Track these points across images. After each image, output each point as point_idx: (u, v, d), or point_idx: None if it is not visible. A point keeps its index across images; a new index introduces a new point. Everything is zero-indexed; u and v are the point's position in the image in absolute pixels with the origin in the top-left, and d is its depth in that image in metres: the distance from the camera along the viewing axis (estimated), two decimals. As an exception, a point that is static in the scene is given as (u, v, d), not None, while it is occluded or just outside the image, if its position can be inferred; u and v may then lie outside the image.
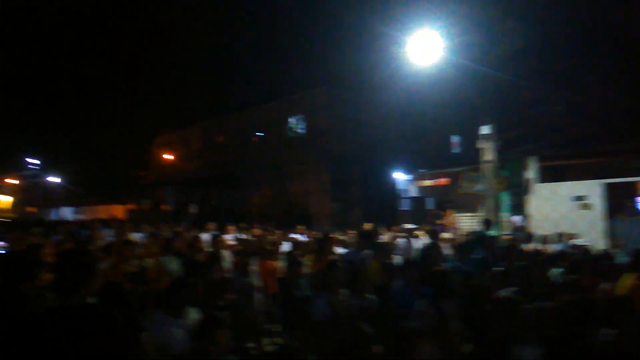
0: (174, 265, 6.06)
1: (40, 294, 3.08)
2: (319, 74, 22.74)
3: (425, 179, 17.90)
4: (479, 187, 13.31)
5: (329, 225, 17.07)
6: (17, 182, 46.53)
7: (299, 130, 22.33)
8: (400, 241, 10.27)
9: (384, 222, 16.57)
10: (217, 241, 7.59)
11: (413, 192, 18.96)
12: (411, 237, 10.69)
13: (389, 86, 18.70)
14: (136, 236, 8.95)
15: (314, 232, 10.77)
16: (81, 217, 36.61)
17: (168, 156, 32.24)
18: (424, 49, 11.08)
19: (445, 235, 11.33)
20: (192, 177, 27.74)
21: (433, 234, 9.51)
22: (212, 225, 11.03)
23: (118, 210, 33.85)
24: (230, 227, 11.90)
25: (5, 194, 45.08)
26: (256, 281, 5.84)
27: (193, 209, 26.48)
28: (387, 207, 19.75)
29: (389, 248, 7.41)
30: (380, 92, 19.01)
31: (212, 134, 28.37)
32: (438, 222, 15.48)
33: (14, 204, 45.43)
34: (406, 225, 14.45)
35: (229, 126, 26.94)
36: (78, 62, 60.52)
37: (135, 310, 3.88)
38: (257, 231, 10.99)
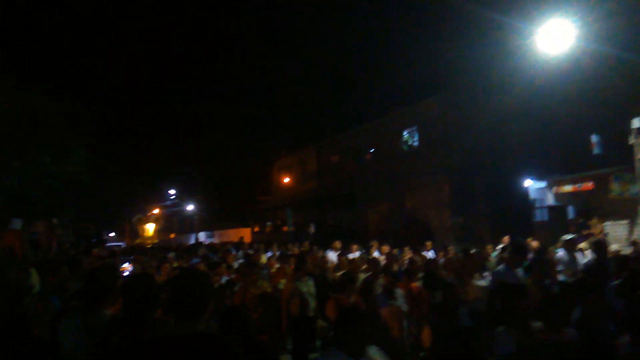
0: (306, 286, 5.82)
1: (162, 319, 2.95)
2: (430, 82, 21.68)
3: (563, 185, 15.78)
4: (634, 190, 11.26)
5: (452, 241, 15.89)
6: (158, 211, 52.13)
7: (413, 143, 21.50)
8: (562, 255, 8.87)
9: (517, 236, 14.94)
10: (350, 261, 7.19)
11: (549, 200, 16.91)
12: (573, 251, 9.21)
13: (512, 84, 17.12)
14: (265, 257, 9.07)
15: (450, 248, 9.83)
16: (213, 240, 39.57)
17: (286, 179, 33.50)
18: (554, 39, 9.75)
19: (613, 247, 9.66)
20: (310, 198, 28.26)
21: (599, 247, 7.80)
22: (338, 244, 10.76)
23: (245, 233, 35.93)
24: (354, 246, 11.56)
25: (150, 223, 50.75)
26: (403, 306, 5.18)
27: (312, 229, 26.89)
28: (518, 219, 17.87)
29: (551, 264, 6.21)
30: (501, 92, 17.48)
31: (327, 154, 28.74)
32: (585, 232, 13.46)
33: (157, 231, 50.89)
34: (566, 236, 12.61)
35: (342, 145, 27.04)
36: (203, 102, 66.63)
37: (254, 336, 3.64)
38: (385, 248, 10.42)
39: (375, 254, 10.47)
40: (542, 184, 16.87)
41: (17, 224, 5.88)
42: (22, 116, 9.03)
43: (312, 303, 5.68)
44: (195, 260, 8.26)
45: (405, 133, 21.77)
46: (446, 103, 19.24)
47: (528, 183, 17.23)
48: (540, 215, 18.87)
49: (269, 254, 9.34)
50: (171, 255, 8.67)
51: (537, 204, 17.11)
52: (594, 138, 17.00)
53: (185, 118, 65.24)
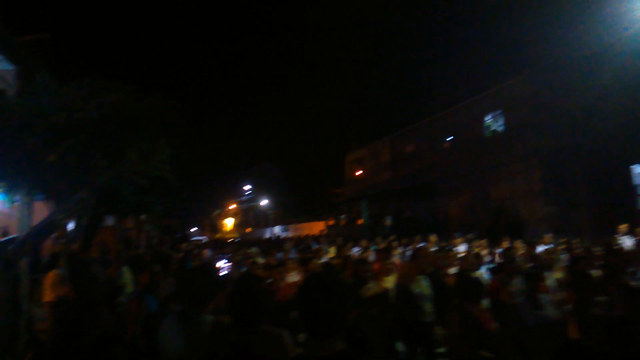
0: (419, 287, 5.06)
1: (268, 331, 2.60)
2: (514, 61, 20.07)
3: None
4: None
5: (546, 232, 14.50)
6: (235, 206, 53.87)
7: (498, 128, 20.01)
8: None
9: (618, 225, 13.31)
10: (470, 257, 6.39)
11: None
12: None
13: (611, 57, 15.25)
14: (354, 251, 8.63)
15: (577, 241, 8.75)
16: (288, 234, 40.07)
17: (360, 171, 32.98)
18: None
19: None
20: (385, 190, 27.51)
21: None
22: (433, 237, 10.04)
23: (319, 227, 35.94)
24: (432, 238, 10.83)
25: (229, 217, 52.59)
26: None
27: (388, 221, 26.16)
28: (624, 207, 15.99)
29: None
30: (598, 67, 15.65)
31: (401, 145, 27.80)
32: None
33: (235, 226, 52.62)
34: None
35: (418, 134, 25.98)
36: (276, 98, 67.80)
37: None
38: (483, 242, 9.54)
39: (462, 247, 9.63)
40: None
41: (110, 220, 6.03)
42: (111, 116, 9.23)
43: (428, 307, 4.97)
44: (280, 255, 8.03)
45: (488, 117, 20.33)
46: (534, 83, 17.62)
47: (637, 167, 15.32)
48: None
49: (356, 249, 8.84)
50: (253, 250, 8.51)
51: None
52: None
53: (259, 114, 66.88)
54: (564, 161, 16.58)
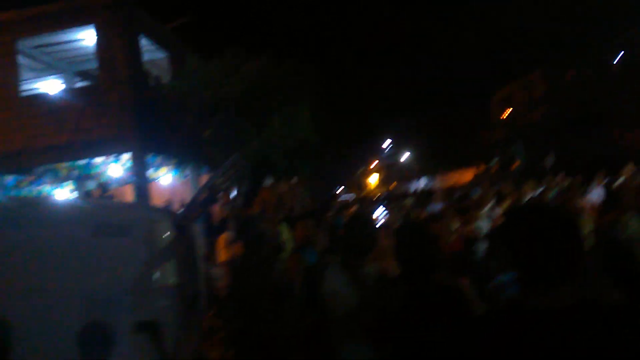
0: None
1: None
2: None
3: None
4: None
5: None
6: (377, 162, 54.06)
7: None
8: None
9: None
10: None
11: None
12: None
13: None
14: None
15: None
16: (434, 185, 38.88)
17: (509, 110, 30.13)
18: None
19: None
20: (542, 127, 24.67)
21: None
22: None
23: (468, 174, 34.06)
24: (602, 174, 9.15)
25: (373, 174, 53.15)
26: None
27: (549, 161, 23.50)
28: None
29: None
30: None
31: (559, 73, 24.41)
32: None
33: (380, 182, 52.97)
34: None
35: (579, 58, 22.44)
36: (414, 40, 64.95)
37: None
38: None
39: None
40: None
41: (268, 181, 6.40)
42: (252, 87, 9.64)
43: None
44: (437, 205, 7.59)
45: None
46: None
47: None
48: None
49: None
50: (408, 201, 8.20)
51: None
52: None
53: (396, 62, 65.06)
54: None
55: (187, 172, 12.05)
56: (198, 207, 5.95)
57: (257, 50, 10.24)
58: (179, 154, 10.40)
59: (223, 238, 5.79)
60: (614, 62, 20.21)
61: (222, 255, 5.69)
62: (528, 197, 7.15)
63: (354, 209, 11.02)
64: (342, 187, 44.65)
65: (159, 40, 11.59)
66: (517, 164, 27.04)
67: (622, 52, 19.40)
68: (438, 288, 2.10)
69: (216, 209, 7.22)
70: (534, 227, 1.29)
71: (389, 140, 52.72)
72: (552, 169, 22.37)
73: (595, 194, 7.42)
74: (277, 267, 3.66)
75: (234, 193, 9.12)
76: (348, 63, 59.85)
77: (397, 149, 51.51)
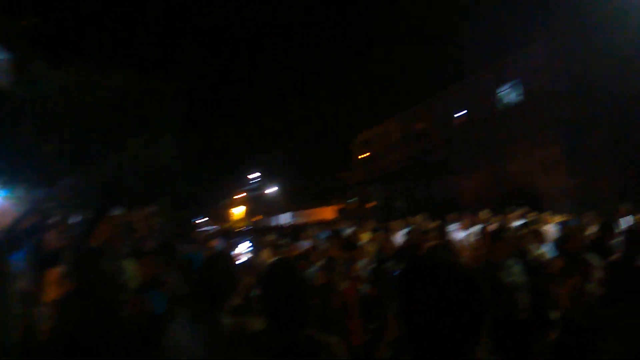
0: (510, 274, 4.14)
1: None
2: (532, 27, 19.14)
3: None
4: None
5: (570, 207, 13.88)
6: (243, 194, 53.55)
7: (514, 99, 19.23)
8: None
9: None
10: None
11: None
12: None
13: (633, 19, 14.43)
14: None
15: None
16: (298, 220, 39.68)
17: (369, 153, 32.38)
18: None
19: None
20: (395, 170, 26.91)
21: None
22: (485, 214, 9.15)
23: (328, 212, 35.51)
24: (453, 216, 10.20)
25: (239, 206, 52.35)
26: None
27: (400, 203, 25.62)
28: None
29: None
30: (619, 31, 14.81)
31: (411, 123, 27.09)
32: None
33: (245, 214, 52.37)
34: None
35: (427, 111, 25.24)
36: (276, 83, 66.90)
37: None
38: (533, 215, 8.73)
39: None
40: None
41: (118, 211, 5.55)
42: (110, 100, 8.68)
43: (525, 299, 4.04)
44: (306, 243, 7.48)
45: (502, 89, 19.55)
46: (552, 50, 16.80)
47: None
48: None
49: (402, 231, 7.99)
50: (272, 237, 7.95)
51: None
52: None
53: (264, 100, 66.02)
54: (586, 130, 15.86)
55: (20, 192, 10.27)
56: (22, 234, 4.92)
57: (121, 64, 9.29)
58: (10, 170, 8.80)
59: (54, 272, 4.86)
60: (459, 116, 22.97)
61: (51, 292, 4.75)
62: (397, 235, 7.43)
63: (214, 243, 10.38)
64: (205, 217, 42.98)
65: (1, 38, 9.97)
66: (373, 203, 28.94)
67: (465, 110, 22.28)
68: (306, 346, 1.81)
69: (50, 238, 6.12)
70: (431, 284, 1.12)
71: (256, 173, 52.78)
72: (402, 209, 24.41)
73: (462, 234, 8.01)
74: (116, 310, 3.05)
75: (74, 219, 7.92)
76: (221, 90, 59.18)
77: (264, 182, 51.69)
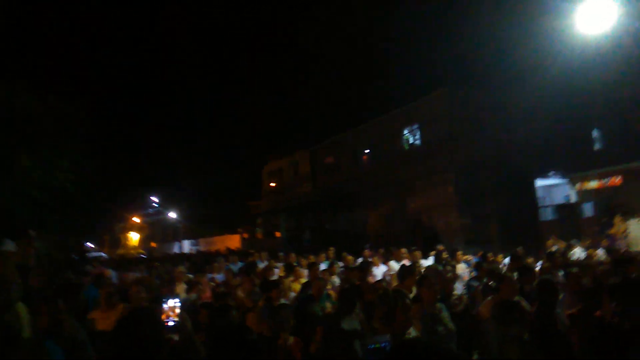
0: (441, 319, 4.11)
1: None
2: (432, 77, 20.94)
3: (588, 181, 15.03)
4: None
5: (461, 244, 15.05)
6: (139, 220, 50.24)
7: (415, 142, 20.65)
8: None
9: (524, 236, 14.14)
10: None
11: (572, 197, 16.22)
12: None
13: (531, 73, 16.36)
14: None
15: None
16: (199, 248, 38.09)
17: (277, 183, 32.37)
18: (592, 18, 8.89)
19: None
20: (304, 202, 27.19)
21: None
22: (402, 252, 9.21)
23: (233, 240, 34.59)
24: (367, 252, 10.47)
25: (133, 231, 48.91)
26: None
27: (307, 234, 25.85)
28: (526, 219, 17.19)
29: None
30: (518, 83, 16.69)
31: (321, 157, 27.72)
32: (608, 232, 12.77)
33: (141, 240, 49.06)
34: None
35: (338, 146, 26.07)
36: (186, 105, 65.04)
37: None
38: (416, 255, 9.06)
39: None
40: (562, 181, 16.13)
41: (9, 245, 4.66)
42: (2, 115, 7.77)
43: (453, 345, 3.99)
44: (218, 276, 7.11)
45: (406, 131, 20.91)
46: (450, 98, 18.43)
47: (545, 180, 16.52)
48: (550, 214, 18.25)
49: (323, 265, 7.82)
50: (181, 268, 7.43)
51: (561, 201, 16.36)
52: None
53: (168, 120, 63.47)
54: (476, 174, 17.41)
55: None
56: None
57: (13, 76, 8.37)
58: None
59: None
60: (365, 153, 24.00)
61: None
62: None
63: (107, 273, 9.36)
64: (91, 243, 39.24)
65: None
66: (278, 234, 28.86)
67: (371, 149, 23.36)
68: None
69: None
70: None
71: (155, 198, 49.97)
72: (310, 241, 24.64)
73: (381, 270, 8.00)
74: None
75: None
76: (122, 110, 55.86)
77: (163, 207, 49.01)
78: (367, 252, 10.59)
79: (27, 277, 4.89)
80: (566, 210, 17.13)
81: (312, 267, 6.91)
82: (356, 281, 5.71)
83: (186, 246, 43.09)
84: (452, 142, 17.98)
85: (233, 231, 38.67)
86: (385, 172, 21.27)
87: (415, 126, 20.36)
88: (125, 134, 47.08)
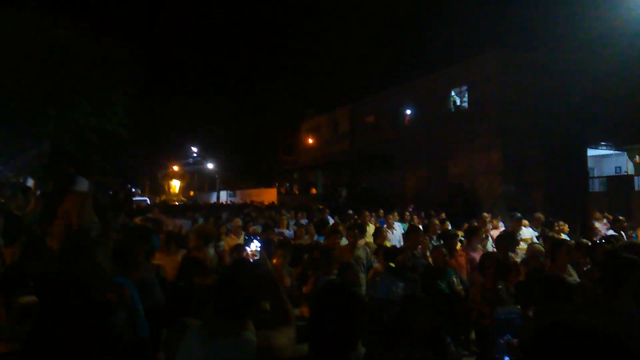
0: None
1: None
2: (482, 37, 19.93)
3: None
4: None
5: (502, 211, 14.72)
6: (178, 168, 51.57)
7: (462, 104, 19.97)
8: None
9: (570, 208, 13.70)
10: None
11: (625, 169, 15.50)
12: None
13: (578, 40, 15.42)
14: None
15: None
16: (235, 200, 38.95)
17: (316, 139, 32.31)
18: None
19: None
20: (341, 160, 27.11)
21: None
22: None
23: (269, 194, 35.14)
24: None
25: (175, 179, 50.46)
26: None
27: (343, 192, 25.89)
28: (574, 189, 16.59)
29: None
30: (565, 49, 15.78)
31: (361, 115, 27.32)
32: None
33: (181, 189, 50.63)
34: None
35: (380, 105, 25.55)
36: (228, 56, 64.86)
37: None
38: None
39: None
40: (611, 152, 15.39)
41: (83, 184, 4.71)
42: (60, 56, 7.91)
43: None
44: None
45: (453, 93, 20.21)
46: (503, 60, 17.56)
47: (595, 151, 15.79)
48: (600, 186, 17.57)
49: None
50: (225, 216, 7.62)
51: (611, 172, 15.68)
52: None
53: (211, 73, 63.74)
54: (523, 141, 16.79)
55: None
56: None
57: (72, 16, 8.43)
58: None
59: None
60: (408, 114, 23.46)
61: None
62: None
63: (177, 222, 9.38)
64: (132, 187, 40.60)
65: None
66: (314, 190, 29.05)
67: (414, 109, 22.77)
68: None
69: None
70: None
71: (194, 148, 50.97)
72: (345, 199, 24.70)
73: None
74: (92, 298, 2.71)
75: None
76: (176, 60, 56.39)
77: (202, 157, 50.03)
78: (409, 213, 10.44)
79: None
80: (618, 183, 16.42)
81: (413, 232, 6.11)
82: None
83: (222, 197, 44.08)
84: (500, 106, 17.28)
85: (269, 185, 39.21)
86: (428, 134, 20.80)
87: (464, 88, 19.60)
88: (170, 83, 47.65)
